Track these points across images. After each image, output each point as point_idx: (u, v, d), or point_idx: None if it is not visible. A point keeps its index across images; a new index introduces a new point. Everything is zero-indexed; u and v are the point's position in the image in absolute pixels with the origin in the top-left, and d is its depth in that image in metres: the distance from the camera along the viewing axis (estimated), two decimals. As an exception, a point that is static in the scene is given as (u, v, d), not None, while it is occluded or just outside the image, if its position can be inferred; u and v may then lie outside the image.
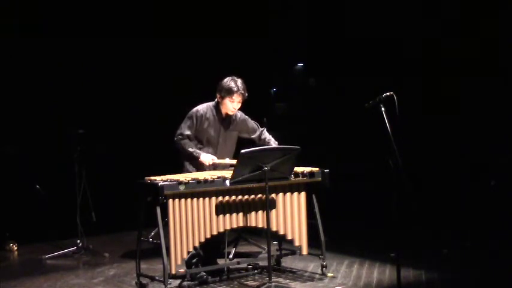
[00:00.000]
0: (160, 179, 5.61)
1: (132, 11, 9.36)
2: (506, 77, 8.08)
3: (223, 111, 6.16)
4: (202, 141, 6.17)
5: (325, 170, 6.20)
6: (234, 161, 6.02)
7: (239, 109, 6.24)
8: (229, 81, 6.09)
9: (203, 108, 6.18)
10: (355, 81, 9.21)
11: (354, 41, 9.45)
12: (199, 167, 6.13)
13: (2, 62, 8.47)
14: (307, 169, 6.13)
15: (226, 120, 6.22)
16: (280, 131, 8.73)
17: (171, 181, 5.55)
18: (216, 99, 6.19)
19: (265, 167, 5.55)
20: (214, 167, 6.16)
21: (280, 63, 9.85)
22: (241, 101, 6.12)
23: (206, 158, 6.05)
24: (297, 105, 9.89)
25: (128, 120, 9.25)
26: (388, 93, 5.03)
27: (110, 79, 9.26)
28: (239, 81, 6.10)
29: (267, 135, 6.39)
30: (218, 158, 6.13)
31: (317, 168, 6.17)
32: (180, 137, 6.11)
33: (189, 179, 5.61)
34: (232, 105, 6.11)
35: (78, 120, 8.04)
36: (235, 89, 6.04)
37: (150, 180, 5.68)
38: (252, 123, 6.40)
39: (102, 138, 8.71)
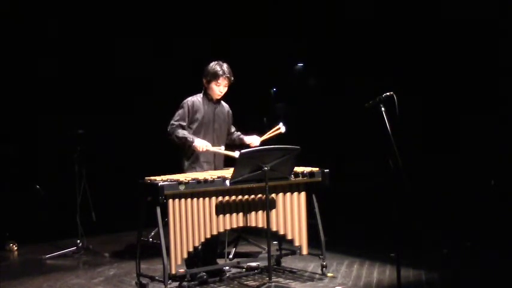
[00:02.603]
0: (160, 179, 5.61)
1: (132, 11, 9.36)
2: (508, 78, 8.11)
3: (211, 95, 6.15)
4: (197, 130, 6.11)
5: (325, 170, 6.20)
6: (229, 152, 6.03)
7: (225, 100, 6.24)
8: (214, 65, 6.09)
9: (192, 98, 6.17)
10: (355, 82, 9.21)
11: (354, 39, 9.45)
12: (199, 167, 6.13)
13: (2, 61, 8.48)
14: (307, 169, 6.13)
15: (217, 106, 6.21)
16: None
17: (171, 181, 5.55)
18: (202, 90, 6.18)
19: (265, 167, 5.55)
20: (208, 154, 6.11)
21: (280, 63, 9.84)
22: (227, 84, 6.12)
23: (200, 143, 5.97)
24: (297, 105, 9.88)
25: (128, 120, 9.26)
26: (388, 93, 5.03)
27: (110, 79, 9.27)
28: (225, 65, 6.10)
29: (237, 133, 6.43)
30: (215, 144, 6.11)
31: (317, 168, 6.18)
32: (173, 126, 6.05)
33: (189, 179, 5.61)
34: (218, 89, 6.10)
35: (78, 120, 8.04)
36: (221, 72, 6.05)
37: (150, 180, 5.68)
38: (231, 124, 6.41)
39: (102, 138, 8.71)
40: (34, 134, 8.74)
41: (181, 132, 6.01)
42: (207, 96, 6.17)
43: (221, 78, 6.06)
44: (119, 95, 9.29)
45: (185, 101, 6.15)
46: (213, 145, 6.11)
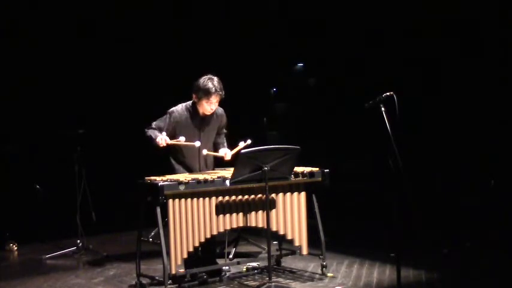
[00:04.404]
0: (160, 179, 5.61)
1: (131, 11, 9.37)
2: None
3: (201, 111, 5.99)
4: (184, 145, 5.99)
5: (325, 170, 6.19)
6: (190, 143, 5.90)
7: (224, 100, 6.11)
8: (205, 81, 5.87)
9: (179, 110, 5.99)
10: (355, 82, 9.23)
11: (354, 40, 9.47)
12: (188, 167, 6.08)
13: (2, 61, 8.49)
14: (307, 169, 6.13)
15: (204, 120, 6.06)
16: (280, 131, 8.77)
17: (171, 181, 5.55)
18: (192, 99, 6.02)
19: (265, 167, 5.55)
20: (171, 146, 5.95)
21: (280, 63, 9.86)
22: (218, 101, 5.95)
23: (159, 138, 5.77)
24: (297, 105, 9.90)
25: (128, 120, 9.25)
26: (388, 93, 5.03)
27: (110, 79, 9.27)
28: (216, 81, 5.89)
29: (222, 140, 6.26)
30: (202, 155, 6.02)
31: (317, 168, 6.17)
32: (149, 126, 5.92)
33: (189, 179, 5.61)
34: (209, 107, 5.93)
35: (78, 120, 8.04)
36: (213, 89, 5.84)
37: (150, 180, 5.68)
38: (225, 121, 6.24)
39: (102, 138, 8.72)
40: (34, 134, 8.74)
41: (149, 132, 5.87)
42: (196, 109, 6.00)
43: (213, 96, 5.88)
44: (119, 95, 9.30)
45: (170, 111, 5.98)
46: (199, 157, 6.03)
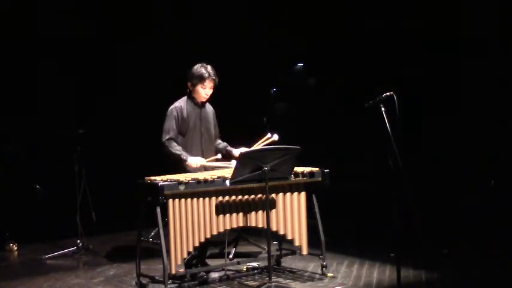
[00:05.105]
0: (160, 179, 5.61)
1: (131, 11, 9.37)
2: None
3: (198, 99, 6.15)
4: (186, 135, 6.11)
5: (325, 170, 6.20)
6: (224, 163, 6.04)
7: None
8: (199, 68, 6.10)
9: (179, 102, 6.16)
10: (355, 81, 9.23)
11: (354, 40, 9.46)
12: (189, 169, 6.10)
13: (2, 61, 8.48)
14: (307, 169, 6.13)
15: (203, 109, 6.21)
16: (280, 131, 8.78)
17: (171, 181, 5.55)
18: (187, 93, 6.17)
19: (265, 167, 5.55)
20: (204, 168, 6.12)
21: (280, 63, 9.86)
22: (212, 86, 6.12)
23: (193, 161, 5.98)
24: (297, 105, 9.89)
25: (128, 120, 9.25)
26: (388, 93, 5.03)
27: (109, 79, 9.27)
28: (209, 67, 6.12)
29: (224, 144, 6.38)
30: (204, 147, 6.11)
31: (317, 168, 6.17)
32: (168, 137, 6.03)
33: (189, 179, 5.61)
34: (204, 92, 6.11)
35: (78, 120, 8.04)
36: (206, 74, 6.06)
37: (150, 180, 5.68)
38: (216, 126, 6.38)
39: (102, 138, 8.71)
40: (34, 134, 8.74)
41: (175, 148, 6.01)
42: (192, 100, 6.16)
43: (207, 81, 6.07)
44: (118, 95, 9.30)
45: (172, 108, 6.12)
46: (202, 148, 6.12)
